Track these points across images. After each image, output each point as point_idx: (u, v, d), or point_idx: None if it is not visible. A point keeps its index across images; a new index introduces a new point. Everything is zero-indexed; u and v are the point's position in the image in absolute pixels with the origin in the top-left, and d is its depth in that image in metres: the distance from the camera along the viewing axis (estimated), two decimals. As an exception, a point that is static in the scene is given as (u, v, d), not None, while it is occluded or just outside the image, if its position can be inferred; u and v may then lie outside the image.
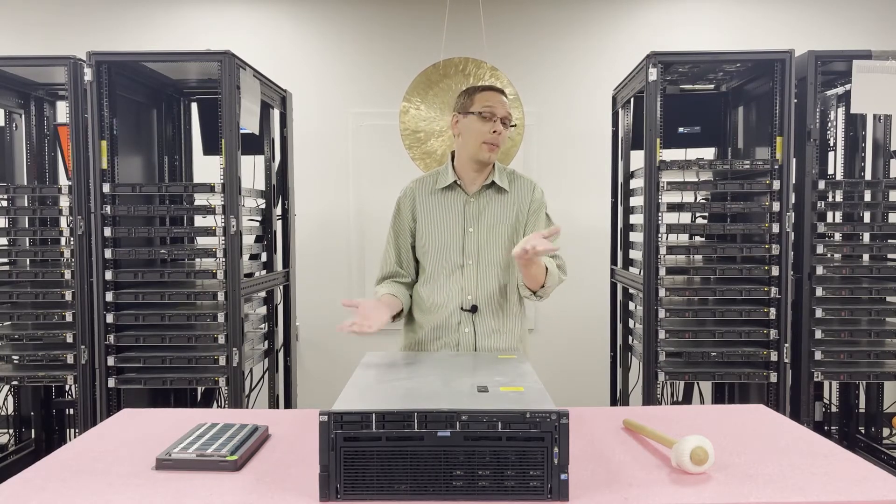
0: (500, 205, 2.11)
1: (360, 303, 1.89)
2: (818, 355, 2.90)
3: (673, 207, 2.92)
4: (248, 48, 3.61)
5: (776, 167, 2.82)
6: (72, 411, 3.47)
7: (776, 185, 2.82)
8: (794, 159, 2.87)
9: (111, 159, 2.80)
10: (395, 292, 2.12)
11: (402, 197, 2.19)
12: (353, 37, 4.49)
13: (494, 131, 2.01)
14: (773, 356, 2.83)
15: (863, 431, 3.48)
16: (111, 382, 2.81)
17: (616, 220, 3.46)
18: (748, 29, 4.43)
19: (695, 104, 3.43)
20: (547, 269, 1.98)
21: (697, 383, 3.40)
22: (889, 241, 2.99)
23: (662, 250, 2.84)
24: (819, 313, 2.89)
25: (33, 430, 3.44)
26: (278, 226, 3.39)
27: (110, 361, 2.80)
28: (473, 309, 2.09)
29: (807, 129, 2.89)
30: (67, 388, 3.34)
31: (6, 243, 3.06)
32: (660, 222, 2.83)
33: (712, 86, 3.40)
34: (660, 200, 2.83)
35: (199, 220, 3.44)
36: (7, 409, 3.50)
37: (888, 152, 3.26)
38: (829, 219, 3.21)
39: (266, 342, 3.27)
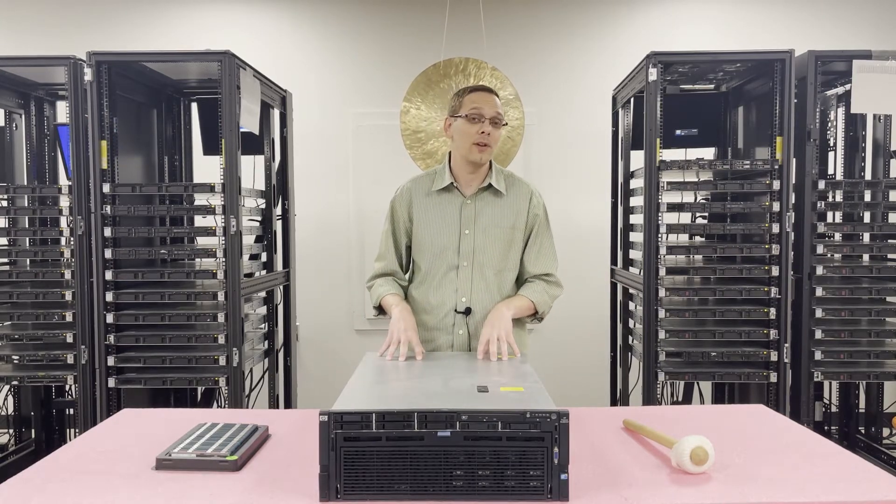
0: (497, 208, 2.11)
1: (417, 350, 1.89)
2: (818, 355, 2.90)
3: (673, 207, 2.92)
4: (248, 48, 3.61)
5: (776, 167, 2.82)
6: (72, 411, 3.47)
7: (776, 185, 2.82)
8: (794, 159, 2.87)
9: (111, 159, 2.80)
10: (398, 292, 2.13)
11: (397, 196, 2.18)
12: (353, 37, 4.49)
13: (482, 132, 2.01)
14: (773, 356, 2.83)
15: (863, 431, 3.48)
16: (111, 382, 2.81)
17: (616, 220, 3.46)
18: (748, 29, 4.43)
19: (695, 104, 3.43)
20: (533, 301, 2.09)
21: (697, 383, 3.40)
22: (889, 241, 2.99)
23: (662, 250, 2.84)
24: (819, 313, 2.89)
25: (33, 430, 3.44)
26: (278, 226, 3.39)
27: (110, 361, 2.80)
28: (467, 311, 2.08)
29: (807, 129, 2.89)
30: (67, 388, 3.34)
31: (6, 243, 3.05)
32: (660, 222, 2.83)
33: (712, 86, 3.40)
34: (660, 200, 2.83)
35: (199, 220, 3.43)
36: (7, 409, 3.50)
37: (888, 152, 3.26)
38: (829, 219, 3.21)
39: (266, 342, 3.27)
